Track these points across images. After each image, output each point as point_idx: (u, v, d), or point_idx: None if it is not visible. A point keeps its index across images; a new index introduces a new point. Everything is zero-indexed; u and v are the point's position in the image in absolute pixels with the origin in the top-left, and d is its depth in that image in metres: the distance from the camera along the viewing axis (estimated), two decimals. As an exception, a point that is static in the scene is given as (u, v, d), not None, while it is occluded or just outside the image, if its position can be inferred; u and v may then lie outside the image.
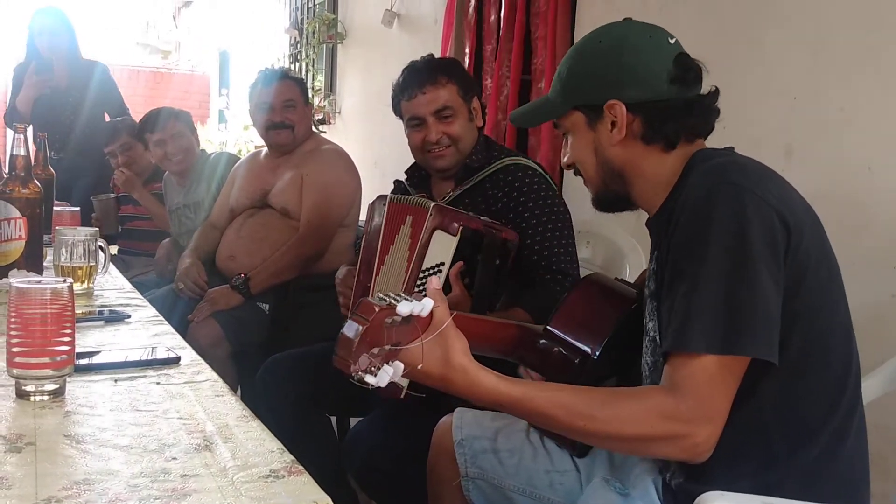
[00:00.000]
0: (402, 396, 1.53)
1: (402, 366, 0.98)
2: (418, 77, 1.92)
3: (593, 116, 1.23)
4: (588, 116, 1.24)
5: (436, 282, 1.06)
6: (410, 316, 0.98)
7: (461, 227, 1.65)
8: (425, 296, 1.02)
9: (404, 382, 1.02)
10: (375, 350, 0.95)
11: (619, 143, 1.22)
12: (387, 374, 0.96)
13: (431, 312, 1.01)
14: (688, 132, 1.21)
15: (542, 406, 1.06)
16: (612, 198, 1.28)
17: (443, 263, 1.66)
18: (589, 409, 1.05)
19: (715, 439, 1.03)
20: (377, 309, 0.95)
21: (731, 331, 1.02)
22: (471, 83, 1.99)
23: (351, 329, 0.95)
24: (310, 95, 5.91)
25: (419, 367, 1.01)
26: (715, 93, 1.23)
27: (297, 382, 2.04)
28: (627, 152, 1.22)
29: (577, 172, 1.31)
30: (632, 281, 1.56)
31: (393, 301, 0.97)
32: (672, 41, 1.22)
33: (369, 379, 0.95)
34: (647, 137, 1.21)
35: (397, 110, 2.00)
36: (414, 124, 1.94)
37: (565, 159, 1.32)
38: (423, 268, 1.69)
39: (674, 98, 1.19)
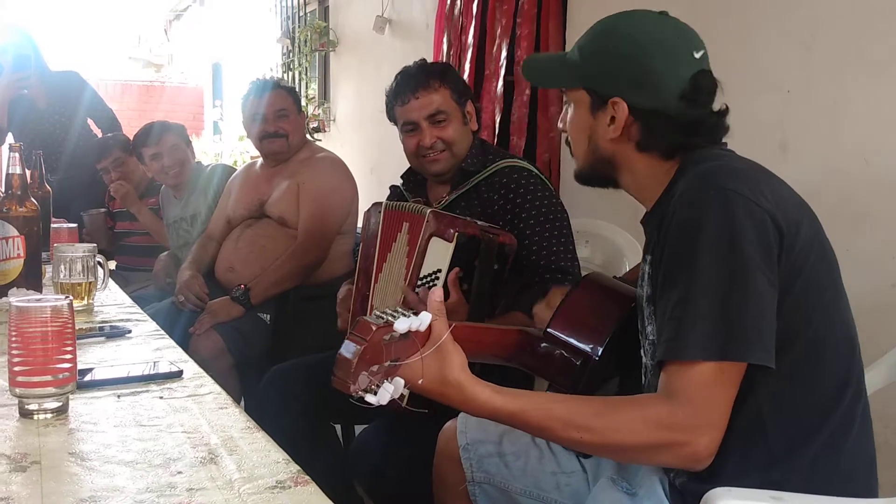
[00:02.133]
0: (403, 404, 1.53)
1: (402, 382, 0.98)
2: (411, 82, 1.92)
3: (596, 104, 1.22)
4: (592, 101, 1.23)
5: (437, 293, 1.05)
6: (409, 332, 0.97)
7: (457, 234, 1.65)
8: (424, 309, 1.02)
9: (406, 392, 1.01)
10: (375, 367, 0.94)
11: (613, 140, 1.21)
12: (387, 392, 0.95)
13: (430, 325, 1.01)
14: (686, 147, 1.19)
15: (539, 419, 1.05)
16: (595, 177, 1.29)
17: (440, 270, 1.66)
18: (585, 420, 1.04)
19: (715, 446, 1.03)
20: (374, 328, 0.94)
21: (727, 337, 1.02)
22: (464, 87, 1.99)
23: (349, 349, 0.94)
24: (304, 104, 5.92)
25: (420, 381, 1.00)
26: (725, 111, 1.21)
27: (301, 392, 2.03)
28: (619, 150, 1.22)
29: (567, 141, 1.32)
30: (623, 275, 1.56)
31: (390, 318, 0.96)
32: (698, 55, 1.18)
33: (370, 398, 0.94)
34: (642, 145, 1.20)
35: (391, 115, 2.00)
36: (408, 129, 1.94)
37: (562, 125, 1.31)
38: (421, 276, 1.68)
39: (679, 115, 1.17)
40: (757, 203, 1.05)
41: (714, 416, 1.02)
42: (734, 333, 1.02)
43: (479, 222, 1.72)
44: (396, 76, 1.98)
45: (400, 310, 0.98)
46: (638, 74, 1.18)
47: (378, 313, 0.97)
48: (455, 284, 1.62)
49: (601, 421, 1.04)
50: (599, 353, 1.22)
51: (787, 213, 1.07)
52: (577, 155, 1.29)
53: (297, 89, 6.13)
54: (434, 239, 1.68)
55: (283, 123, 2.69)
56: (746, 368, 1.04)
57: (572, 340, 1.25)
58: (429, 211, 1.71)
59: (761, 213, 1.04)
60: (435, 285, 1.67)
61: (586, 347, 1.24)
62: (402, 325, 0.95)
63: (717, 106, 1.21)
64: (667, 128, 1.18)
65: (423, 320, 0.98)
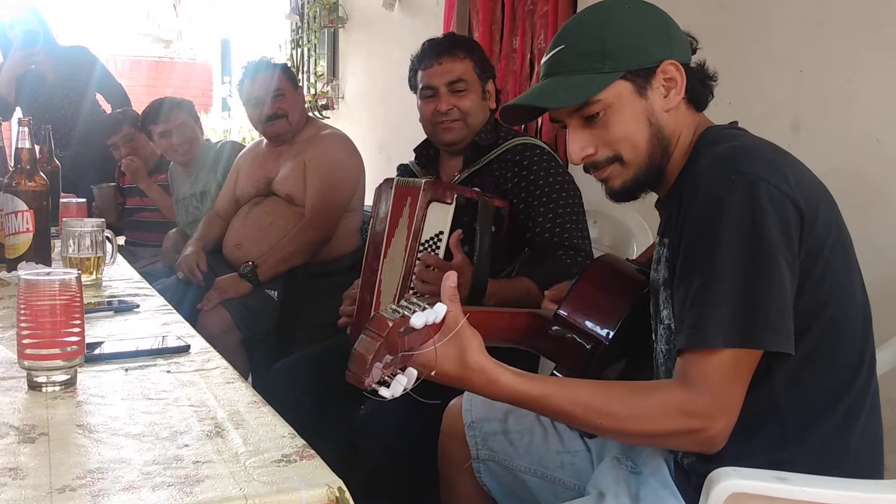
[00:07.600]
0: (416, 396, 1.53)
1: (415, 373, 0.97)
2: (438, 48, 1.96)
3: (642, 82, 1.14)
4: (636, 83, 1.14)
5: (452, 279, 1.03)
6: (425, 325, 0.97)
7: (456, 195, 1.69)
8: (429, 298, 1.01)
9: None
10: (388, 358, 0.93)
11: (670, 111, 1.16)
12: (400, 385, 0.95)
13: (445, 314, 1.00)
14: (708, 97, 1.21)
15: (560, 404, 1.05)
16: (650, 176, 1.18)
17: (442, 232, 1.70)
18: (607, 406, 1.04)
19: (729, 430, 1.03)
20: (391, 324, 0.93)
21: (749, 325, 1.01)
22: (488, 65, 2.03)
23: (364, 345, 0.93)
24: (312, 80, 5.89)
25: (433, 373, 0.99)
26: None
27: (310, 385, 2.04)
28: (673, 118, 1.17)
29: (591, 165, 1.19)
30: (635, 258, 1.56)
31: (406, 312, 0.95)
32: None
33: (383, 392, 0.94)
34: (690, 96, 1.18)
35: (412, 81, 2.02)
36: (427, 95, 1.96)
37: (592, 149, 1.17)
38: (423, 240, 1.72)
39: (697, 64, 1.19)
40: (778, 187, 1.03)
41: (731, 401, 1.03)
42: (757, 321, 1.01)
43: (473, 188, 1.77)
44: (423, 44, 2.01)
45: (415, 300, 0.97)
46: (666, 31, 1.17)
47: (394, 307, 0.96)
48: (457, 246, 1.65)
49: (623, 407, 1.04)
50: (610, 339, 1.22)
51: (806, 196, 1.05)
52: (636, 155, 1.16)
53: (305, 66, 6.12)
54: (433, 204, 1.72)
55: (281, 104, 2.69)
56: (763, 354, 1.04)
57: (584, 324, 1.24)
58: (423, 181, 1.76)
59: (782, 198, 1.03)
60: (438, 247, 1.70)
61: (598, 332, 1.23)
62: (419, 319, 0.94)
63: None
64: (698, 76, 1.19)
65: (438, 312, 0.97)
